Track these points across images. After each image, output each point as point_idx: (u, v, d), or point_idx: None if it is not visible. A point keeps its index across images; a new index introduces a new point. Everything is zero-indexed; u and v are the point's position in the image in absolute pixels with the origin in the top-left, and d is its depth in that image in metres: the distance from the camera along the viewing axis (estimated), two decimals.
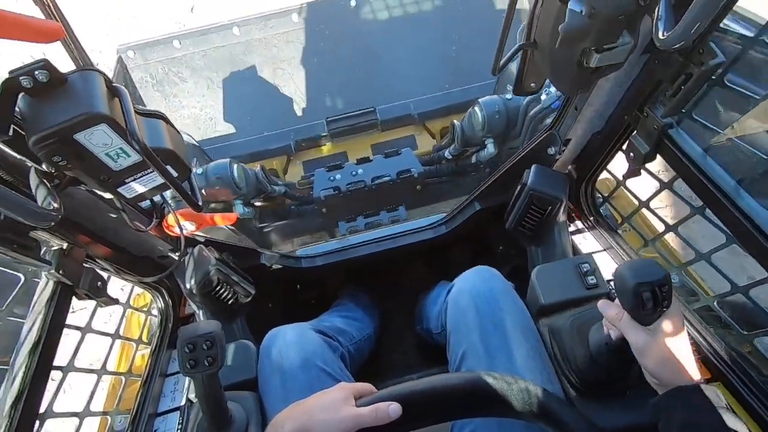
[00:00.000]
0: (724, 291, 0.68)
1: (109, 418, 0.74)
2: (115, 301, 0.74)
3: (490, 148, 1.40)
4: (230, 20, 1.74)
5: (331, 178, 1.44)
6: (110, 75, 1.70)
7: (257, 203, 1.51)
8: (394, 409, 0.54)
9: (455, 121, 1.47)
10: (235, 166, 1.29)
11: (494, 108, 1.32)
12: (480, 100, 1.35)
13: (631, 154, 0.74)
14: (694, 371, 0.54)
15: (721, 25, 0.55)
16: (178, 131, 0.70)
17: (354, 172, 1.45)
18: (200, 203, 0.71)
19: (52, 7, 0.52)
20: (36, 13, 0.60)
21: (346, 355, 0.93)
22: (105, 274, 0.74)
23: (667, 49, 0.54)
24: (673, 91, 0.61)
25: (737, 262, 0.75)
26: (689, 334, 0.73)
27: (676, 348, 0.54)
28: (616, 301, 0.60)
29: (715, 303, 0.69)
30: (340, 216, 1.55)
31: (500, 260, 1.39)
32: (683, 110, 0.64)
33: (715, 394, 0.52)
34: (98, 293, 0.69)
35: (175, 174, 0.68)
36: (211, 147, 1.75)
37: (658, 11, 0.56)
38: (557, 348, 0.77)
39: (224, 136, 1.84)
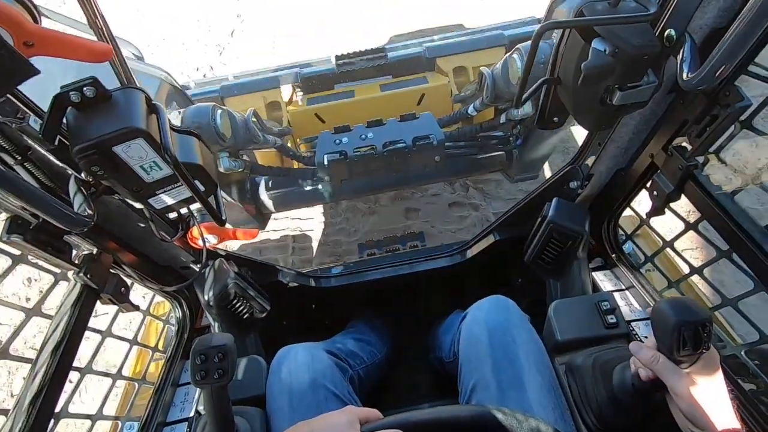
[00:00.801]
0: (752, 340, 0.65)
1: (119, 423, 0.76)
2: (136, 308, 0.76)
3: (527, 106, 1.17)
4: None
5: (337, 141, 1.23)
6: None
7: (246, 157, 1.33)
8: None
9: (485, 69, 1.21)
10: (219, 111, 1.09)
11: (539, 58, 0.96)
12: (521, 46, 1.09)
13: (655, 192, 0.73)
14: (732, 418, 0.52)
15: (749, 68, 0.55)
16: (209, 149, 0.73)
17: (363, 136, 1.23)
18: (224, 218, 0.74)
19: (104, 29, 0.56)
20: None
21: (356, 378, 0.92)
22: (129, 281, 0.77)
23: (691, 89, 0.54)
24: (698, 131, 0.61)
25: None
26: None
27: (714, 392, 0.53)
28: (647, 342, 0.59)
29: (742, 352, 0.66)
30: (345, 187, 1.36)
31: (518, 292, 1.37)
32: (709, 151, 0.63)
33: None
34: (121, 299, 0.71)
35: (202, 188, 0.71)
36: (210, 90, 1.54)
37: (683, 52, 0.56)
38: (575, 386, 0.75)
39: (220, 79, 1.68)
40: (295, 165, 1.54)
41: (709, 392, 0.53)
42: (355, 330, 1.19)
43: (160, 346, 0.91)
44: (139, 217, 0.77)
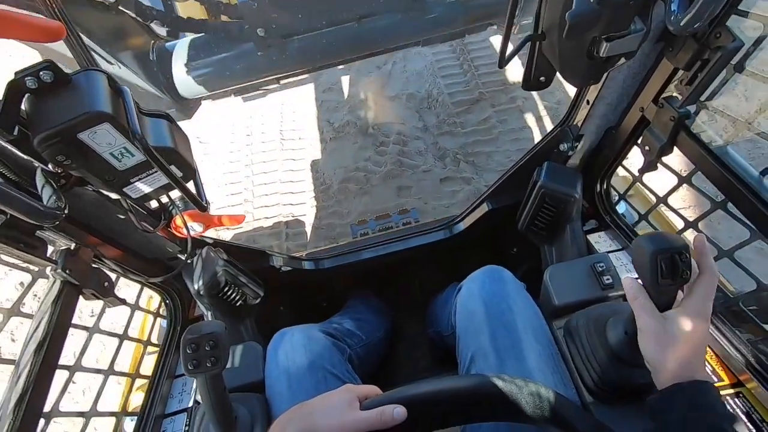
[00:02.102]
0: (750, 289, 0.64)
1: (115, 418, 0.74)
2: (123, 302, 0.74)
3: None
4: None
5: None
6: None
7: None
8: (399, 412, 0.53)
9: None
10: None
11: None
12: None
13: (647, 147, 0.71)
14: (699, 369, 0.49)
15: (740, 6, 0.53)
16: (182, 132, 0.70)
17: None
18: (206, 203, 0.71)
19: (54, 6, 0.52)
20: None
21: (354, 357, 0.91)
22: (113, 275, 0.75)
23: (681, 33, 0.52)
24: (689, 78, 0.58)
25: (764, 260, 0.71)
26: (716, 339, 0.70)
27: (686, 342, 0.49)
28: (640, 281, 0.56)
29: (740, 303, 0.65)
30: (289, 48, 1.00)
31: (514, 262, 1.36)
32: (701, 100, 0.61)
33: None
34: (105, 293, 0.69)
35: (179, 174, 0.68)
36: None
37: None
38: (573, 349, 0.74)
39: None
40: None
41: (681, 341, 0.49)
42: (352, 310, 1.18)
43: (153, 339, 0.89)
44: (118, 209, 0.74)
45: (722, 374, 0.67)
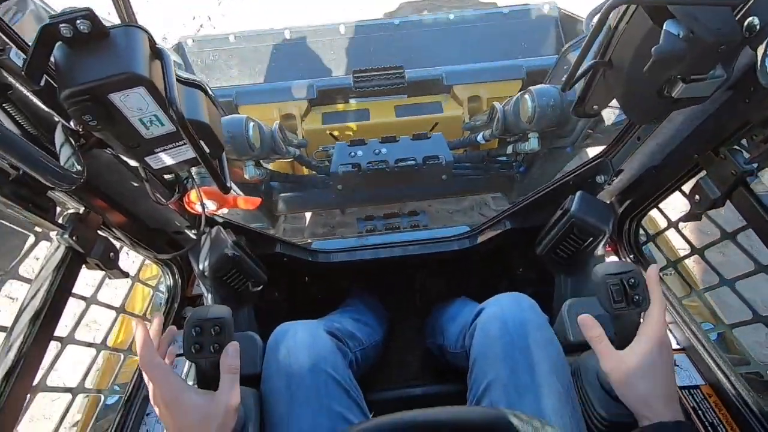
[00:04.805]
0: None
1: (101, 396, 0.71)
2: (126, 275, 0.70)
3: (533, 142, 1.27)
4: (283, 27, 1.90)
5: (352, 153, 1.30)
6: None
7: (269, 165, 1.42)
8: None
9: (497, 104, 1.32)
10: (252, 124, 1.18)
11: (548, 101, 1.15)
12: (533, 88, 1.19)
13: (697, 197, 0.68)
14: (669, 404, 0.52)
15: None
16: (216, 105, 0.65)
17: (377, 151, 1.31)
18: (229, 184, 0.67)
19: None
20: None
21: (354, 361, 0.88)
22: (118, 245, 0.70)
23: None
24: (765, 137, 0.55)
25: None
26: (733, 398, 0.68)
27: (650, 377, 0.52)
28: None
29: None
30: (355, 196, 1.44)
31: (519, 283, 1.34)
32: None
33: None
34: (109, 264, 0.65)
35: (207, 150, 0.64)
36: (224, 93, 1.61)
37: (766, 45, 0.50)
38: (579, 389, 0.72)
39: (241, 85, 1.77)
40: (305, 172, 1.66)
41: (644, 376, 0.52)
42: (353, 309, 1.15)
43: (148, 314, 0.85)
44: (133, 176, 0.69)
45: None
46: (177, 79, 0.58)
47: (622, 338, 0.56)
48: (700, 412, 0.70)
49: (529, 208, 1.04)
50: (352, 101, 1.67)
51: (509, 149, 1.43)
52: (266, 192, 1.63)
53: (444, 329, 1.01)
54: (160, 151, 0.60)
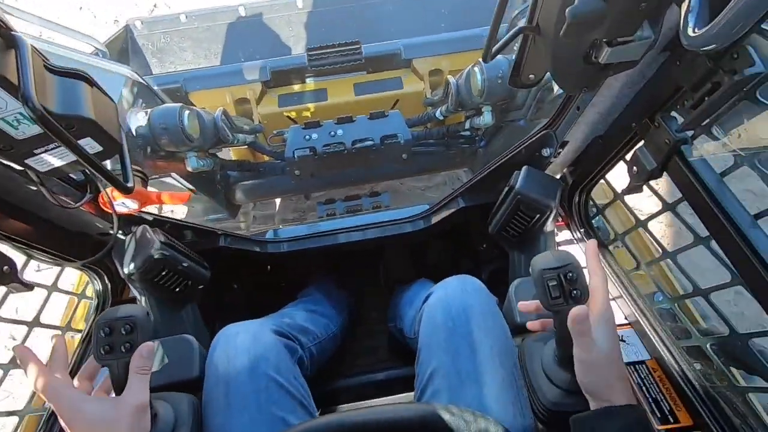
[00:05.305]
0: (721, 334, 0.60)
1: (17, 418, 0.66)
2: (30, 288, 0.64)
3: (487, 116, 1.24)
4: (238, 3, 1.77)
5: (307, 137, 1.25)
6: (112, 41, 1.61)
7: (218, 153, 1.35)
8: None
9: (450, 77, 1.27)
10: (187, 113, 1.09)
11: (497, 73, 1.11)
12: (481, 59, 1.15)
13: (635, 168, 0.65)
14: (622, 386, 0.50)
15: (764, 25, 0.45)
16: (107, 95, 0.59)
17: (333, 133, 1.26)
18: (131, 184, 0.61)
19: None
20: None
21: (306, 357, 0.85)
22: (21, 256, 0.65)
23: (695, 50, 0.44)
24: (695, 101, 0.51)
25: (743, 304, 0.67)
26: (675, 373, 0.67)
27: (603, 362, 0.51)
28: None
29: (708, 345, 0.61)
30: (314, 181, 1.40)
31: (482, 259, 1.32)
32: (702, 125, 0.54)
33: None
34: (4, 279, 0.59)
35: (99, 148, 0.58)
36: (171, 80, 1.52)
37: (689, 2, 0.45)
38: (525, 374, 0.70)
39: (189, 70, 1.66)
40: (265, 158, 1.58)
41: (597, 364, 0.51)
42: (309, 299, 1.11)
43: (74, 325, 0.80)
44: (28, 180, 0.63)
45: (679, 415, 0.64)
46: (49, 70, 0.52)
47: (562, 333, 0.53)
48: (644, 387, 0.68)
49: (481, 185, 1.00)
50: (309, 81, 1.58)
51: (467, 124, 1.39)
52: (223, 181, 1.57)
53: (402, 313, 0.99)
54: (41, 152, 0.54)
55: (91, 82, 0.56)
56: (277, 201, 2.21)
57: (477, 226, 1.25)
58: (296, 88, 1.59)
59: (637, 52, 0.52)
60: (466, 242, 1.35)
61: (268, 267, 1.39)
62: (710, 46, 0.41)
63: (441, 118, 1.39)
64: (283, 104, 1.56)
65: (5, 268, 0.59)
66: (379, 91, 1.56)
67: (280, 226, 1.85)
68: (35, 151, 0.54)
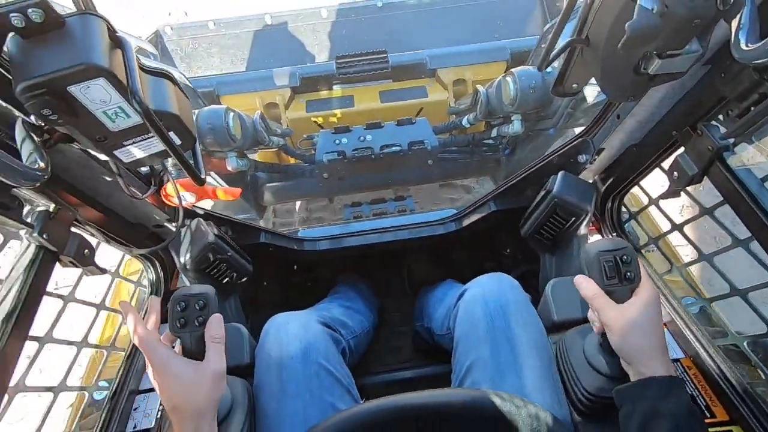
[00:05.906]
0: (758, 332, 0.63)
1: (86, 393, 0.70)
2: (103, 271, 0.68)
3: (516, 125, 1.27)
4: (264, 12, 1.85)
5: (337, 141, 1.31)
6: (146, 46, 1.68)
7: (253, 156, 1.40)
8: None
9: (480, 87, 1.31)
10: (231, 114, 1.15)
11: (530, 83, 1.14)
12: (515, 70, 1.18)
13: (675, 174, 0.68)
14: (661, 359, 0.54)
15: None
16: (185, 94, 0.64)
17: (362, 138, 1.31)
18: (203, 176, 0.65)
19: None
20: None
21: (347, 349, 0.88)
22: (94, 241, 0.69)
23: (746, 63, 0.48)
24: (740, 111, 0.55)
25: None
26: (711, 371, 0.69)
27: (647, 330, 0.54)
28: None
29: (745, 343, 0.64)
30: (341, 184, 1.43)
31: (505, 263, 1.35)
32: (745, 133, 0.58)
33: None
34: (84, 261, 0.63)
35: (178, 141, 0.62)
36: (205, 83, 1.59)
37: (740, 19, 0.49)
38: (564, 365, 0.73)
39: (222, 74, 1.74)
40: (292, 161, 1.66)
41: (642, 328, 0.54)
42: (342, 296, 1.15)
43: None
44: (105, 170, 0.68)
45: (715, 410, 0.67)
46: (142, 69, 0.57)
47: None
48: None
49: (513, 190, 1.04)
50: (336, 87, 1.64)
51: (494, 132, 1.43)
52: (252, 182, 1.62)
53: (431, 312, 1.02)
54: (129, 144, 0.59)
55: (174, 81, 0.60)
56: (297, 204, 2.25)
57: (504, 231, 1.29)
58: (324, 94, 1.66)
59: (685, 64, 0.56)
60: (491, 247, 1.38)
61: (295, 266, 1.43)
62: (763, 60, 0.45)
63: (467, 125, 1.43)
64: (311, 110, 1.62)
65: (86, 251, 0.64)
66: (405, 99, 1.61)
67: (302, 228, 1.89)
68: (124, 143, 0.58)
